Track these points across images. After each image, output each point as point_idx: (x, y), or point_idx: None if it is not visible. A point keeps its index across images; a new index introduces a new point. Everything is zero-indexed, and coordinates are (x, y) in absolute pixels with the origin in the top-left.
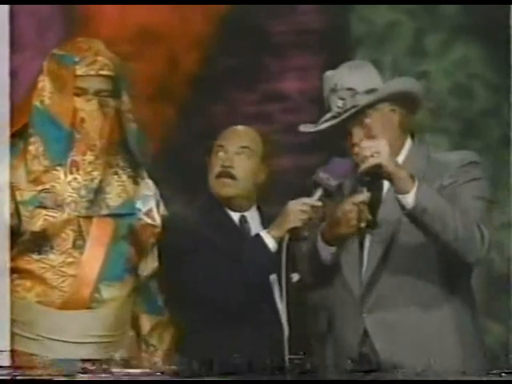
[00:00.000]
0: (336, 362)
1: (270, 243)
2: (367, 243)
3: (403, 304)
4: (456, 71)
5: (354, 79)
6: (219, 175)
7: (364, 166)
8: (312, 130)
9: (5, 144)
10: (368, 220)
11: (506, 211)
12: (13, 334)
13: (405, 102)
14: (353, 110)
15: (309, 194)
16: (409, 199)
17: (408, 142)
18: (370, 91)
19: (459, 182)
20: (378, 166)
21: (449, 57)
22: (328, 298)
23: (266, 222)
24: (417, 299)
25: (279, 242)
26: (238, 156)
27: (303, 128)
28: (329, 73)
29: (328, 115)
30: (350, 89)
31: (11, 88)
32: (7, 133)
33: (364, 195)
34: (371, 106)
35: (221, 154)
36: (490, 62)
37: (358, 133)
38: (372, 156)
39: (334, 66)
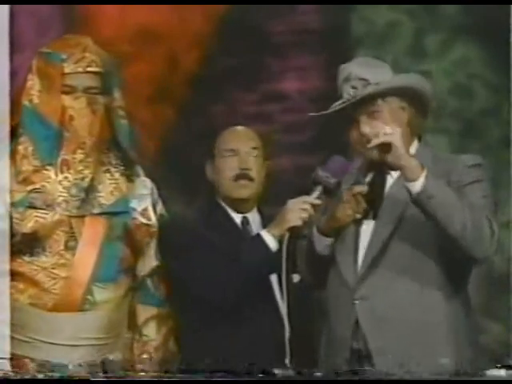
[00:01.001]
0: (332, 359)
1: (271, 242)
2: (366, 234)
3: (397, 296)
4: (456, 71)
5: (368, 71)
6: (237, 178)
7: (375, 142)
8: (321, 113)
9: (4, 144)
10: (366, 210)
11: (506, 211)
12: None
13: (414, 100)
14: (363, 95)
15: (308, 194)
16: (416, 186)
17: (415, 143)
18: (381, 83)
19: (465, 181)
20: (389, 146)
21: (449, 57)
22: (325, 292)
23: (266, 223)
24: (412, 294)
25: (279, 240)
26: (251, 157)
27: (312, 113)
28: (344, 65)
29: (338, 102)
30: (362, 79)
31: (11, 88)
32: (7, 133)
33: (362, 187)
34: (381, 95)
35: (234, 156)
36: (490, 62)
37: (365, 121)
38: (385, 134)
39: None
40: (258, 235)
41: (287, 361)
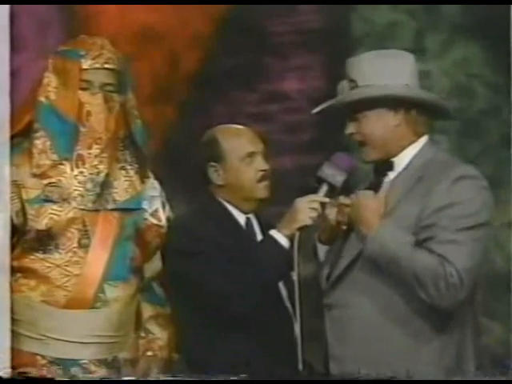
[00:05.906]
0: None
1: (284, 242)
2: (348, 243)
3: (363, 305)
4: (456, 71)
5: (360, 71)
6: (261, 179)
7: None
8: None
9: (5, 144)
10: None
11: (506, 211)
12: (16, 334)
13: (412, 105)
14: (342, 101)
15: (307, 193)
16: (364, 243)
17: (417, 143)
18: (367, 86)
19: (438, 205)
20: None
21: (449, 57)
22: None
23: (262, 223)
24: (373, 310)
25: (291, 240)
26: (264, 158)
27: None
28: (352, 58)
29: (331, 101)
30: (351, 80)
31: (11, 88)
32: (7, 133)
33: (348, 198)
34: (365, 103)
35: (254, 158)
36: (490, 62)
37: (351, 125)
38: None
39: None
40: (270, 236)
41: (300, 363)
